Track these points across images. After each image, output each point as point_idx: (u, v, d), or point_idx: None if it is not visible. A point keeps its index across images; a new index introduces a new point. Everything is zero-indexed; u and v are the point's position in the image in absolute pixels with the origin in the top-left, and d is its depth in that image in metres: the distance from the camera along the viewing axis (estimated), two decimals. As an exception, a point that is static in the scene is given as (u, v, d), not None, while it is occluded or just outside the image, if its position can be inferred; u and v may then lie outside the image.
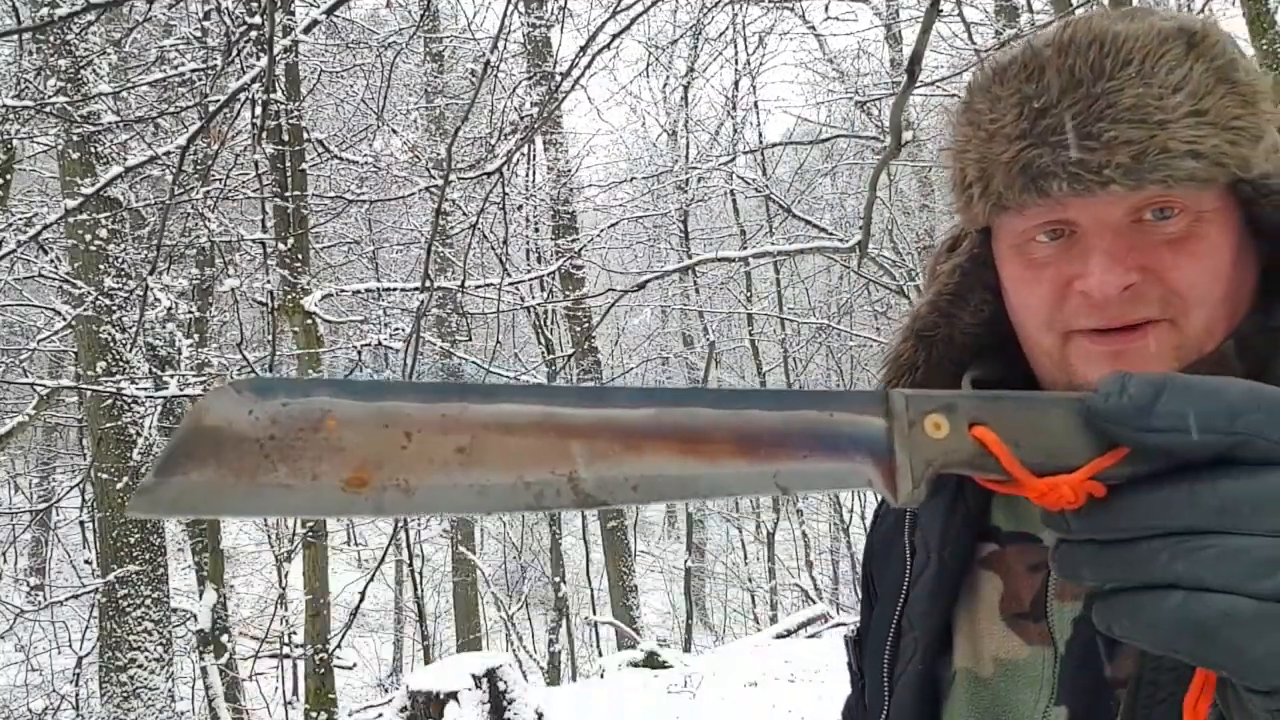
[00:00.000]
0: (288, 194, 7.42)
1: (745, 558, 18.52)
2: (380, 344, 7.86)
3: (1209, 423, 0.48)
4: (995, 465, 0.52)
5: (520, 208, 11.61)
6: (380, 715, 8.95)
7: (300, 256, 7.63)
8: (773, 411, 0.53)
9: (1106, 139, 0.72)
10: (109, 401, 7.73)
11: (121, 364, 7.91)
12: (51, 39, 6.59)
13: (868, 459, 0.53)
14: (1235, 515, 0.47)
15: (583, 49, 4.33)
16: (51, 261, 8.45)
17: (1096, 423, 0.51)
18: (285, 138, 7.36)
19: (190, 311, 8.78)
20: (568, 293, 11.92)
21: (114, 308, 7.77)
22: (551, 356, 11.43)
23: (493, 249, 7.75)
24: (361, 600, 5.30)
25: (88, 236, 7.68)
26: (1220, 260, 0.75)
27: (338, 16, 7.84)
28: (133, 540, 8.16)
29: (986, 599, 0.85)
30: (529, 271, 11.38)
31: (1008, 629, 0.82)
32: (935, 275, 0.91)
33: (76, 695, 9.06)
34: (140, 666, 8.09)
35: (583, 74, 4.43)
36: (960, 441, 0.53)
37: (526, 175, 11.88)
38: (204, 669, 9.40)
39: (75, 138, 7.42)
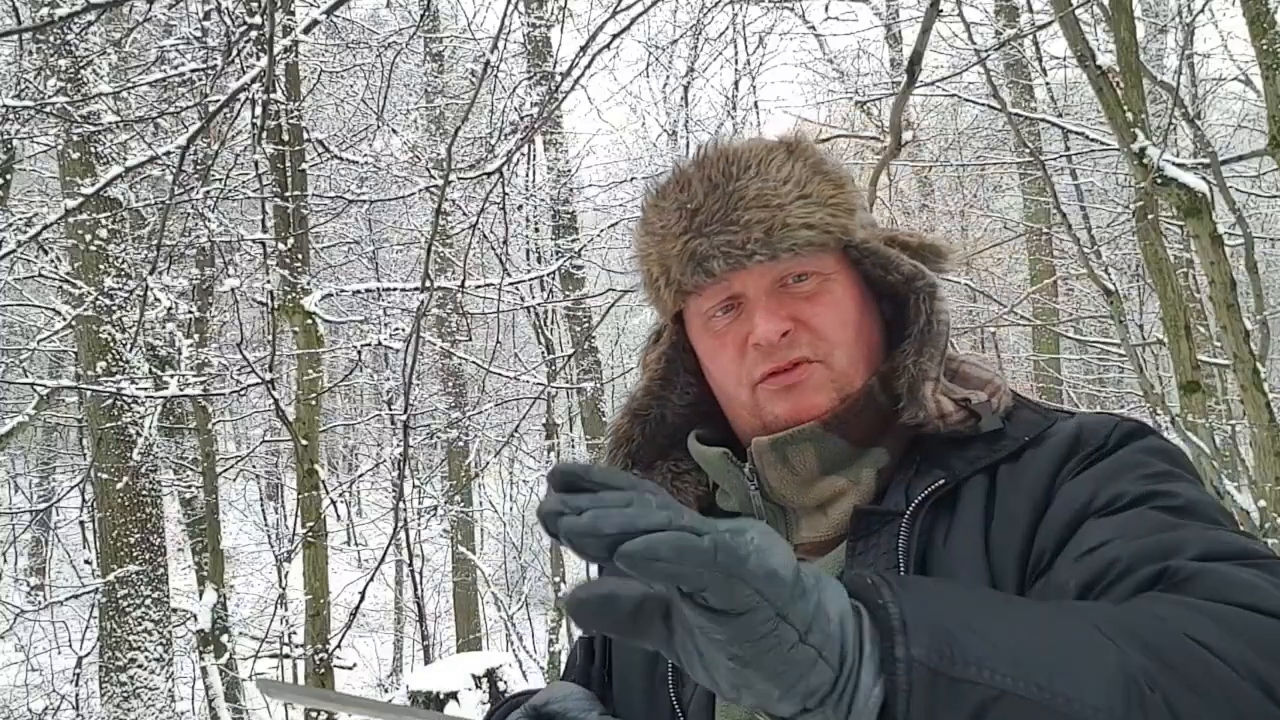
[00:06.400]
0: (288, 194, 7.39)
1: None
2: (380, 344, 7.85)
3: None
4: None
5: (520, 208, 11.59)
6: (380, 715, 8.92)
7: (300, 256, 7.61)
8: None
9: (744, 222, 0.94)
10: (109, 401, 7.71)
11: (121, 364, 7.90)
12: (51, 39, 6.58)
13: None
14: None
15: (583, 49, 4.33)
16: (51, 261, 8.44)
17: None
18: (285, 138, 7.33)
19: (190, 311, 8.76)
20: (568, 293, 11.91)
21: (114, 308, 7.76)
22: (551, 356, 11.40)
23: (493, 249, 7.73)
24: (361, 600, 5.31)
25: (88, 236, 7.67)
26: (846, 308, 0.98)
27: (338, 16, 7.83)
28: (133, 540, 8.15)
29: None
30: (529, 271, 11.35)
31: None
32: (646, 364, 1.08)
33: (76, 695, 9.05)
34: (140, 666, 8.08)
35: (583, 74, 4.43)
36: None
37: (526, 175, 11.85)
38: (204, 669, 9.40)
39: (75, 138, 7.41)
